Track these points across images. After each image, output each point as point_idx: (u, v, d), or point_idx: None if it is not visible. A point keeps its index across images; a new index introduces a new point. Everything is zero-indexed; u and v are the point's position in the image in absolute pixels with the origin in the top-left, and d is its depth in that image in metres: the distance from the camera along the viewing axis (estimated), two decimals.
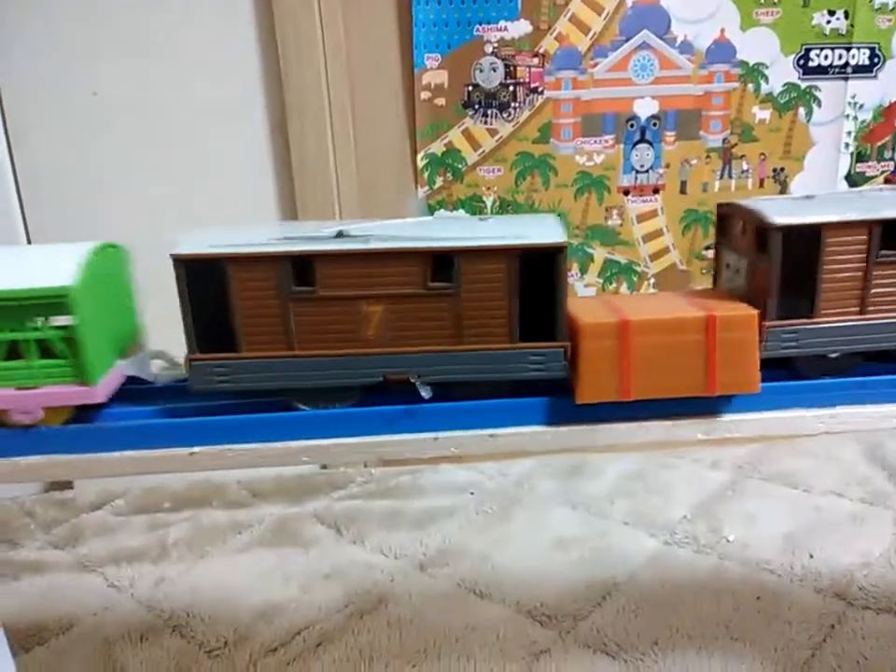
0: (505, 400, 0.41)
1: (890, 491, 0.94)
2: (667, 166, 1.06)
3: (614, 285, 1.11)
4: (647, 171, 1.06)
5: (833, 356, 0.41)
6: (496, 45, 0.99)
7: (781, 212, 0.39)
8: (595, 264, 1.09)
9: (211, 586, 0.81)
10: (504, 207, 1.04)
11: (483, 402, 0.41)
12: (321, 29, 0.91)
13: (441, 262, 0.39)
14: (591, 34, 0.99)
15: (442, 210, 1.03)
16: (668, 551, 0.84)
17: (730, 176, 1.08)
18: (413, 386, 0.40)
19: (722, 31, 1.01)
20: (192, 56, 0.93)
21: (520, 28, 0.98)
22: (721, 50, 1.02)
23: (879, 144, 1.09)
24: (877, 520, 0.88)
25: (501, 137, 1.02)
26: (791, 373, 0.42)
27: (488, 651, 0.70)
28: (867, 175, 1.10)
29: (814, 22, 1.02)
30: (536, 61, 1.00)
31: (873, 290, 0.39)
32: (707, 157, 1.06)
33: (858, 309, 0.40)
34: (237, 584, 0.81)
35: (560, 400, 0.41)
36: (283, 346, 0.40)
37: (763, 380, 0.39)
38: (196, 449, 0.41)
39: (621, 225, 1.08)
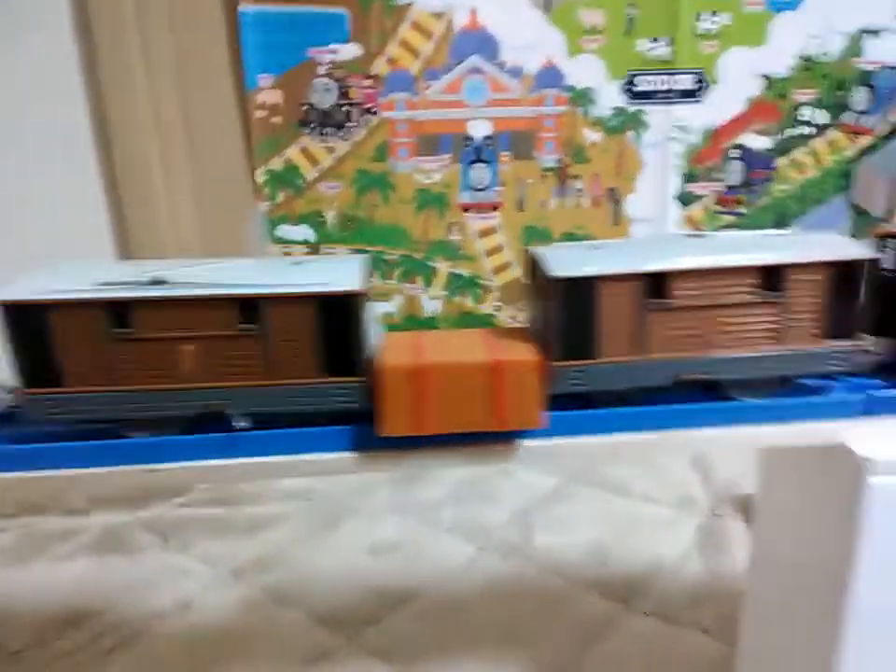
0: (315, 429, 0.46)
1: (700, 497, 1.00)
2: (504, 185, 1.11)
3: (459, 297, 1.15)
4: (485, 189, 1.10)
5: (618, 389, 0.47)
6: (328, 66, 1.02)
7: (564, 264, 0.44)
8: (439, 278, 1.13)
9: (25, 592, 0.83)
10: (345, 222, 1.08)
11: (295, 430, 0.46)
12: (145, 55, 0.93)
13: (248, 307, 0.43)
14: (421, 57, 1.04)
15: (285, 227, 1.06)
16: (479, 557, 0.87)
17: (565, 195, 1.13)
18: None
19: (550, 57, 1.06)
20: (13, 84, 0.95)
21: (351, 51, 1.02)
22: (550, 75, 1.07)
23: (708, 165, 1.16)
24: (680, 526, 0.93)
25: (339, 155, 1.06)
26: (584, 404, 0.47)
27: (270, 655, 0.72)
28: (697, 194, 1.16)
29: (637, 49, 1.08)
30: (369, 82, 1.03)
31: (646, 333, 0.45)
32: (543, 176, 1.11)
33: (634, 350, 0.45)
34: (50, 591, 0.83)
35: (368, 429, 0.45)
36: (107, 381, 0.44)
37: (558, 409, 0.45)
38: (33, 474, 0.45)
39: (462, 240, 1.12)
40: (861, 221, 1.23)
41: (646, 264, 0.45)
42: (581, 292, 0.44)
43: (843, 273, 0.46)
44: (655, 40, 1.08)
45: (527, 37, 1.05)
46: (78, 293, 0.43)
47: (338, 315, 0.43)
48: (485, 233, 1.11)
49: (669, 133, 1.12)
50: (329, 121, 1.02)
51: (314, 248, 1.07)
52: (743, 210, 1.18)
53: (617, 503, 1.00)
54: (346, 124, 1.03)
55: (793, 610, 0.56)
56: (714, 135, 1.14)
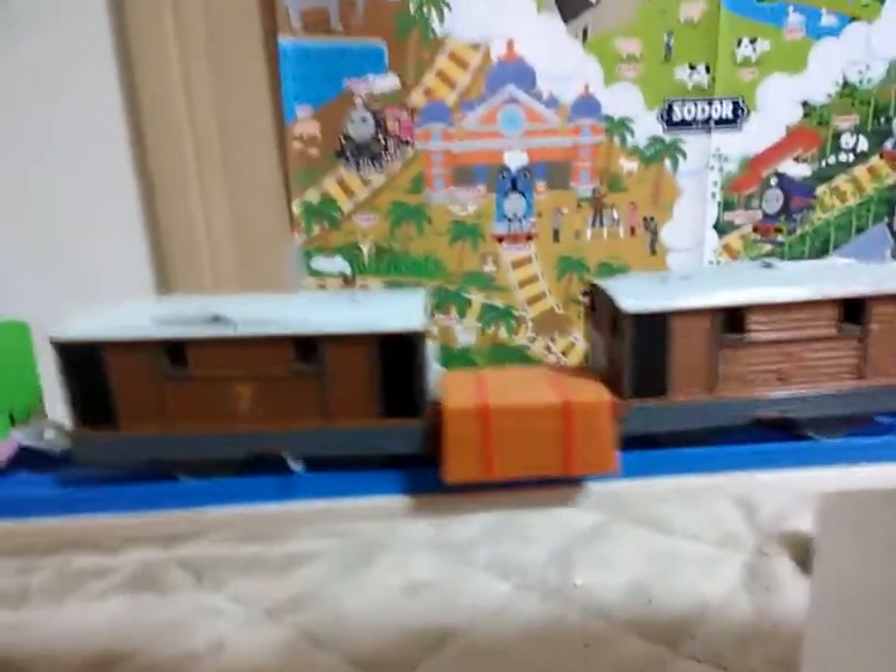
0: (373, 472, 0.44)
1: (744, 534, 0.97)
2: (539, 215, 1.10)
3: (493, 328, 1.14)
4: (520, 220, 1.09)
5: (690, 429, 0.44)
6: (365, 98, 1.02)
7: (633, 297, 0.42)
8: (474, 309, 1.12)
9: (58, 632, 0.82)
10: (380, 254, 1.07)
11: (351, 473, 0.44)
12: (185, 85, 0.93)
13: (305, 347, 0.42)
14: (458, 88, 1.03)
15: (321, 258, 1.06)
16: (516, 596, 0.86)
17: (601, 224, 1.11)
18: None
19: (587, 86, 1.05)
20: (54, 122, 0.95)
21: (388, 82, 1.01)
22: (587, 105, 1.06)
23: (746, 194, 1.14)
24: (726, 564, 0.91)
25: (375, 187, 1.05)
26: (650, 444, 0.45)
27: None
28: (735, 223, 1.14)
29: (676, 77, 1.07)
30: (405, 114, 1.03)
31: (720, 371, 0.43)
32: (579, 206, 1.10)
33: (707, 388, 0.43)
34: (83, 632, 0.82)
35: (428, 472, 0.43)
36: (161, 422, 0.43)
37: (625, 449, 0.42)
38: (86, 519, 0.44)
39: (496, 271, 1.11)
40: None
41: (721, 298, 0.42)
42: (653, 327, 0.42)
43: None
44: (693, 67, 1.07)
45: (564, 67, 1.04)
46: (135, 331, 0.42)
47: (399, 354, 0.42)
48: (519, 264, 1.10)
49: (707, 162, 1.10)
50: (365, 153, 1.02)
51: (349, 281, 1.06)
52: (782, 239, 1.17)
53: (659, 541, 0.97)
54: (382, 156, 1.03)
55: (860, 656, 0.54)
56: (752, 163, 1.12)
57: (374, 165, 1.03)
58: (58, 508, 0.45)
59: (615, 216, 1.11)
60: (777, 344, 0.43)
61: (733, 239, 1.15)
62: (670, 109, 1.08)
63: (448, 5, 1.00)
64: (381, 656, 0.78)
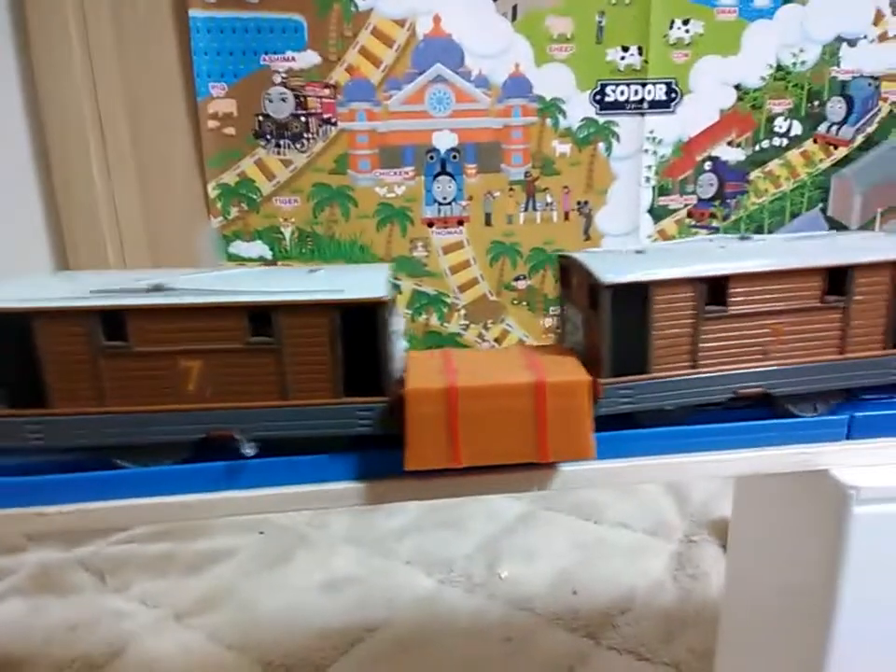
0: (331, 455, 0.41)
1: (675, 521, 0.96)
2: (470, 198, 1.07)
3: (424, 316, 1.11)
4: (450, 203, 1.06)
5: (669, 408, 0.42)
6: (284, 75, 0.97)
7: (611, 269, 0.39)
8: (403, 296, 1.08)
9: None
10: (303, 238, 1.03)
11: (310, 457, 0.40)
12: (88, 60, 0.88)
13: (261, 317, 0.38)
14: (383, 66, 0.99)
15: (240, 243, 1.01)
16: (440, 591, 0.83)
17: (535, 209, 1.09)
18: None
19: (517, 66, 1.02)
20: None
21: (308, 59, 0.97)
22: (518, 85, 1.03)
23: (681, 178, 1.12)
24: (654, 553, 0.90)
25: (296, 168, 1.00)
26: (629, 423, 0.42)
27: None
28: (670, 207, 1.13)
29: (608, 58, 1.04)
30: (327, 92, 0.99)
31: (701, 344, 0.40)
32: (511, 190, 1.07)
33: (689, 363, 0.41)
34: None
35: (391, 454, 0.39)
36: (97, 402, 0.38)
37: (601, 430, 0.40)
38: (9, 511, 0.39)
39: (427, 256, 1.08)
40: None
41: (704, 268, 0.40)
42: (634, 300, 0.40)
43: None
44: (626, 49, 1.04)
45: (493, 46, 1.01)
46: (68, 301, 0.37)
47: (361, 325, 0.38)
48: (450, 249, 1.07)
49: (641, 145, 1.09)
50: (285, 132, 0.98)
51: (270, 266, 1.02)
52: (717, 224, 1.15)
53: (588, 529, 0.96)
54: (304, 136, 0.98)
55: (773, 640, 0.53)
56: (686, 147, 1.11)
57: (295, 145, 0.99)
58: None
59: (548, 199, 1.08)
60: (759, 316, 0.41)
61: (668, 224, 1.13)
62: (603, 91, 1.05)
63: None
64: (293, 658, 0.74)
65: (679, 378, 0.41)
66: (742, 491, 0.56)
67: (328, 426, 0.39)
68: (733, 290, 0.40)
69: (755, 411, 0.43)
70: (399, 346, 0.41)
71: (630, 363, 0.40)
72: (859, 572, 0.40)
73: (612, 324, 0.39)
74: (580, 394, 0.38)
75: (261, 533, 0.93)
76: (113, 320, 0.37)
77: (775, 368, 0.42)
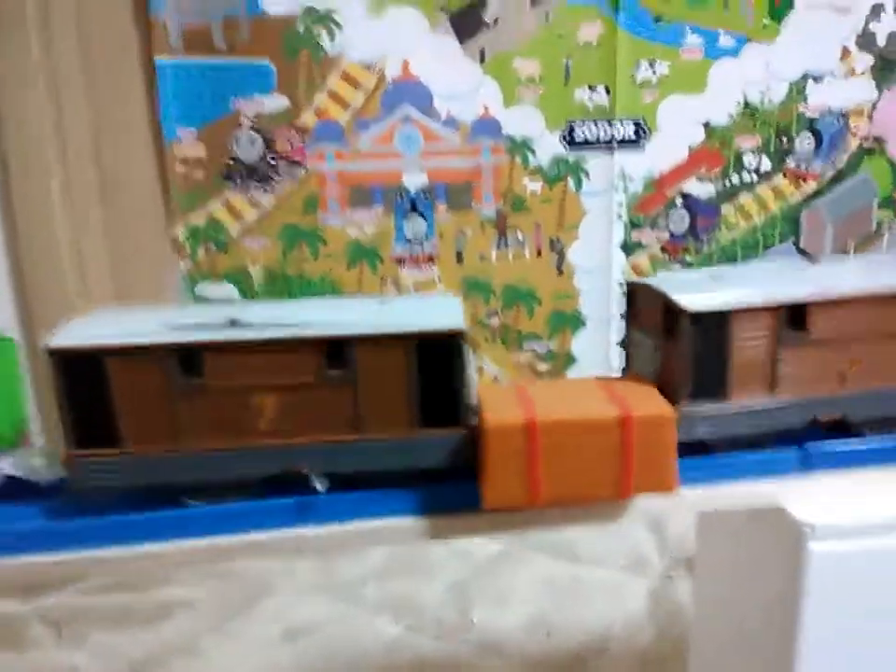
0: (405, 489, 0.40)
1: (653, 558, 0.95)
2: (441, 237, 1.07)
3: None
4: (420, 241, 1.06)
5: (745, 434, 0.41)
6: (253, 119, 0.98)
7: (690, 295, 0.38)
8: None
9: None
10: (272, 279, 1.03)
11: (382, 492, 0.39)
12: (55, 108, 0.88)
13: (336, 351, 0.37)
14: (351, 108, 1.00)
15: (207, 284, 1.01)
16: (408, 638, 0.81)
17: (506, 246, 1.09)
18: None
19: (486, 107, 1.03)
20: None
21: (277, 102, 0.98)
22: (486, 126, 1.04)
23: (652, 214, 1.13)
24: (631, 591, 0.88)
25: (265, 209, 1.01)
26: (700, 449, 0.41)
27: None
28: (643, 243, 1.13)
29: (576, 98, 1.05)
30: (296, 134, 1.00)
31: (780, 370, 0.40)
32: (482, 227, 1.07)
33: (767, 389, 0.40)
34: None
35: (465, 486, 0.39)
36: (169, 441, 0.37)
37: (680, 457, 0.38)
38: (85, 554, 0.38)
39: (398, 295, 1.08)
40: None
41: (785, 293, 0.39)
42: (714, 326, 0.39)
43: None
44: (593, 89, 1.06)
45: (462, 88, 1.02)
46: (143, 336, 0.36)
47: (438, 357, 0.37)
48: (422, 287, 1.07)
49: (611, 182, 1.09)
50: (254, 175, 0.98)
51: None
52: (690, 259, 1.16)
53: (563, 569, 0.94)
54: (273, 178, 0.99)
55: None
56: (657, 183, 1.11)
57: (264, 187, 0.99)
58: (47, 542, 0.38)
59: (520, 237, 1.09)
60: (839, 342, 0.41)
61: (641, 259, 1.14)
62: (571, 130, 1.06)
63: (339, 24, 0.97)
64: None
65: (757, 405, 0.40)
66: (704, 527, 0.55)
67: (403, 459, 0.39)
68: (814, 316, 0.39)
69: (832, 437, 0.42)
70: (473, 380, 0.40)
71: (708, 389, 0.40)
72: (817, 608, 0.39)
73: (692, 350, 0.39)
74: (666, 428, 0.37)
75: (222, 579, 0.91)
76: (189, 356, 0.37)
77: (854, 394, 0.41)
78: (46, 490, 0.42)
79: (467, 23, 1.01)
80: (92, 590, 0.92)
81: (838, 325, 0.40)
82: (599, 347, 1.15)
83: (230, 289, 0.98)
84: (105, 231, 0.94)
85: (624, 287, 0.45)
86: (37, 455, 0.44)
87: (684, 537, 1.01)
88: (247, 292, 1.02)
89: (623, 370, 0.44)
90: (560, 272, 1.12)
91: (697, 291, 0.39)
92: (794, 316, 0.40)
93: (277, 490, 0.39)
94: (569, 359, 1.15)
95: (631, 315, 0.44)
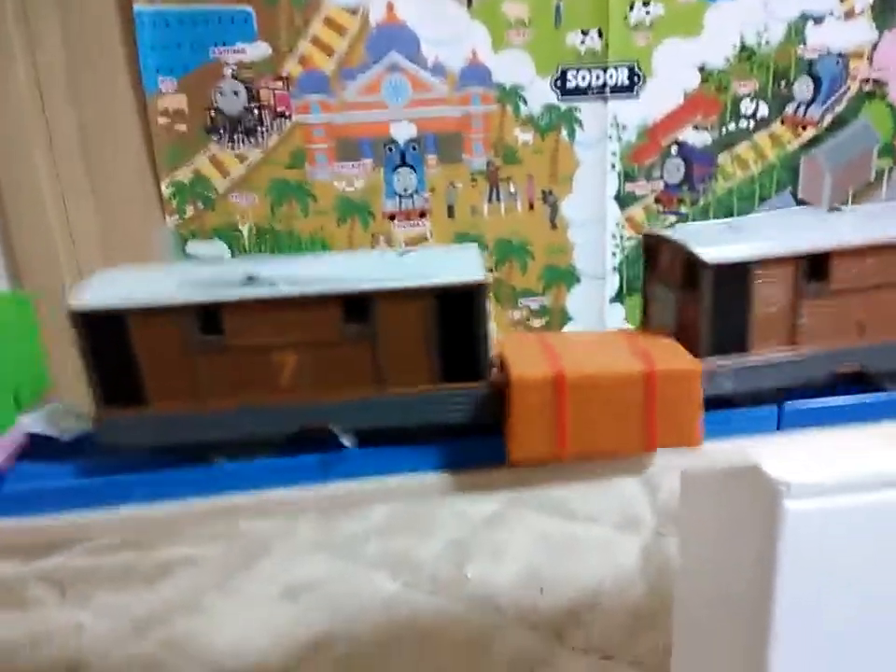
0: (431, 444, 0.40)
1: (646, 515, 0.95)
2: (432, 190, 1.04)
3: None
4: (411, 195, 1.04)
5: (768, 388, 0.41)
6: (235, 67, 0.95)
7: (710, 247, 0.38)
8: None
9: None
10: (262, 236, 1.01)
11: (408, 447, 0.40)
12: (32, 63, 0.85)
13: (356, 306, 0.37)
14: (336, 56, 0.97)
15: (197, 242, 0.99)
16: (404, 594, 0.82)
17: (498, 199, 1.07)
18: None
19: (474, 53, 1.00)
20: None
21: (259, 50, 0.95)
22: (475, 73, 1.01)
23: (647, 163, 1.10)
24: (623, 548, 0.88)
25: (251, 163, 0.98)
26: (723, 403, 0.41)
27: None
28: (637, 194, 1.11)
29: (568, 42, 1.02)
30: (280, 84, 0.96)
31: (801, 322, 0.40)
32: (473, 180, 1.05)
33: (789, 342, 0.40)
34: None
35: (490, 440, 0.38)
36: (191, 399, 0.38)
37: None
38: (102, 513, 0.39)
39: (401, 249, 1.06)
40: None
41: (806, 243, 0.39)
42: (736, 278, 0.39)
43: None
44: (585, 33, 1.02)
45: (449, 32, 0.99)
46: (163, 296, 0.36)
47: (460, 309, 0.37)
48: (413, 242, 1.05)
49: (605, 131, 1.07)
50: (238, 127, 0.95)
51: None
52: (685, 210, 1.14)
53: (558, 526, 0.95)
54: (258, 130, 0.96)
55: (719, 638, 0.52)
56: (651, 132, 1.09)
57: (249, 140, 0.97)
58: (78, 499, 0.39)
59: (512, 189, 1.06)
60: (859, 292, 0.40)
61: (635, 210, 1.12)
62: (563, 76, 1.03)
63: None
64: (251, 667, 0.73)
65: (778, 357, 0.40)
66: (686, 486, 0.55)
67: (426, 414, 0.39)
68: (835, 265, 0.39)
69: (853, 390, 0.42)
70: (492, 331, 0.40)
71: (729, 343, 0.39)
72: (792, 568, 0.39)
73: (713, 303, 0.38)
74: (692, 382, 0.37)
75: (227, 538, 0.91)
76: (208, 315, 0.37)
77: (872, 345, 0.41)
78: (70, 447, 0.42)
79: None
80: (96, 550, 0.93)
81: (858, 275, 0.39)
82: (594, 303, 1.14)
83: (219, 247, 0.97)
84: (90, 189, 0.92)
85: (643, 240, 0.44)
86: (60, 412, 0.44)
87: (676, 493, 1.01)
88: (237, 249, 1.01)
89: (642, 323, 0.44)
90: (553, 225, 1.10)
91: (717, 243, 0.39)
92: (814, 267, 0.39)
93: (302, 447, 0.39)
94: (564, 315, 1.13)
95: (649, 269, 0.44)
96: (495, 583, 0.84)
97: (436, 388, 0.38)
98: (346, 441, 0.39)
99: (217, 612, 0.78)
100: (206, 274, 0.38)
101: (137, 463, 0.40)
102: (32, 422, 0.43)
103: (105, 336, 0.37)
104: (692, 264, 0.38)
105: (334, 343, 0.38)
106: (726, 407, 0.40)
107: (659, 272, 0.42)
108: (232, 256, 0.99)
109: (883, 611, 0.40)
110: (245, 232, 1.00)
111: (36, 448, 0.43)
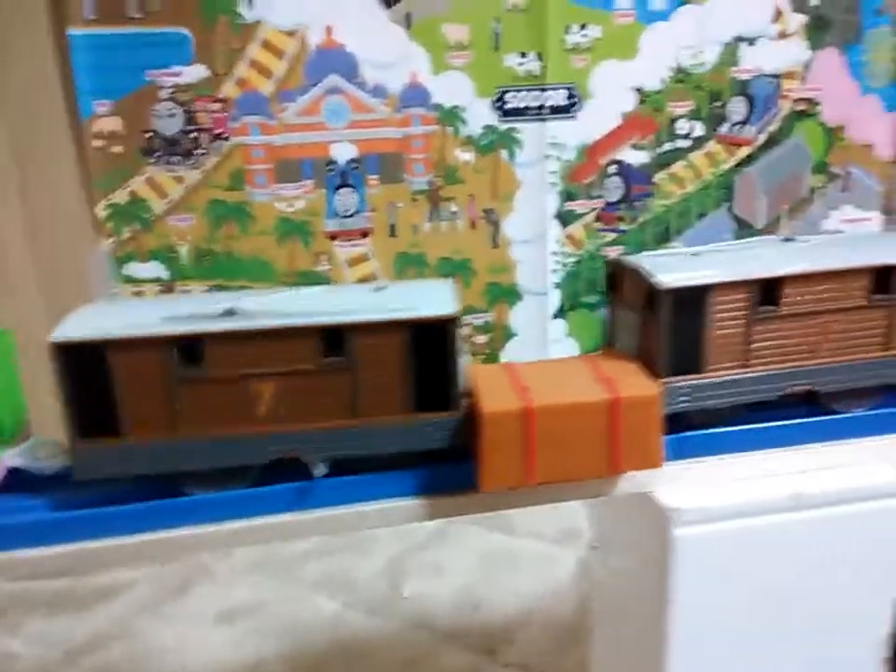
0: (404, 471, 0.42)
1: (584, 528, 0.97)
2: (374, 210, 1.06)
3: None
4: (352, 215, 1.05)
5: (722, 407, 0.43)
6: (171, 90, 0.95)
7: (669, 273, 0.40)
8: None
9: None
10: (200, 257, 1.01)
11: (382, 475, 0.41)
12: None
13: (333, 338, 0.39)
14: (274, 78, 0.97)
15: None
16: (342, 614, 0.83)
17: (440, 219, 1.08)
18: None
19: (414, 75, 1.01)
20: None
21: (196, 73, 0.95)
22: (415, 94, 1.02)
23: (586, 182, 1.13)
24: (561, 562, 0.91)
25: (189, 185, 0.99)
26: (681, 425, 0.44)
27: None
28: (577, 212, 1.13)
29: (506, 65, 1.04)
30: (218, 106, 0.97)
31: (753, 344, 0.42)
32: (414, 199, 1.06)
33: (742, 363, 0.42)
34: None
35: (462, 467, 0.40)
36: (170, 429, 0.39)
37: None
38: (91, 544, 0.40)
39: (331, 270, 1.07)
40: (744, 233, 1.22)
41: (758, 270, 0.42)
42: (691, 303, 0.41)
43: None
44: (524, 55, 1.04)
45: (388, 55, 1.00)
46: (144, 329, 0.38)
47: (433, 342, 0.40)
48: (356, 262, 1.06)
49: (544, 151, 1.09)
50: (175, 149, 0.95)
51: (167, 286, 1.00)
52: (625, 227, 1.16)
53: (499, 542, 0.97)
54: (195, 151, 0.96)
55: (625, 654, 0.54)
56: (590, 151, 1.11)
57: (187, 162, 0.97)
58: (53, 535, 0.40)
59: (454, 209, 1.08)
60: (810, 316, 0.44)
61: (576, 228, 1.14)
62: (503, 98, 1.05)
63: None
64: None
65: (732, 377, 0.43)
66: (598, 508, 0.57)
67: (400, 442, 0.41)
68: (785, 291, 0.42)
69: (801, 409, 0.46)
70: (463, 361, 0.43)
71: (686, 364, 0.43)
72: (684, 593, 0.41)
73: (670, 326, 0.41)
74: (653, 408, 0.39)
75: (162, 564, 0.92)
76: (189, 347, 0.38)
77: (822, 366, 0.44)
78: (49, 481, 0.43)
79: None
80: (28, 575, 0.92)
81: (808, 300, 0.43)
82: (536, 319, 1.16)
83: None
84: (21, 213, 0.91)
85: (606, 266, 0.47)
86: (40, 446, 0.45)
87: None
88: (175, 271, 1.01)
89: (607, 344, 0.47)
90: (496, 244, 1.12)
91: (675, 270, 0.42)
92: (766, 293, 0.43)
93: (278, 476, 0.41)
94: (507, 332, 1.15)
95: (612, 293, 0.47)
96: (432, 602, 0.86)
97: (410, 418, 0.41)
98: (317, 471, 0.41)
99: (151, 638, 0.79)
100: (186, 308, 0.40)
101: (114, 496, 0.41)
102: (12, 457, 0.44)
103: (86, 368, 0.38)
104: (651, 289, 0.41)
105: (312, 373, 0.39)
106: (684, 425, 0.43)
107: (622, 296, 0.46)
108: (171, 277, 0.99)
109: (767, 625, 0.42)
110: (183, 253, 1.00)
111: (17, 482, 0.44)
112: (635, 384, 0.41)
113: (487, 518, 1.02)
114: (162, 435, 0.39)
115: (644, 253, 0.48)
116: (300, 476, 0.41)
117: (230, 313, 0.40)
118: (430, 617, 0.83)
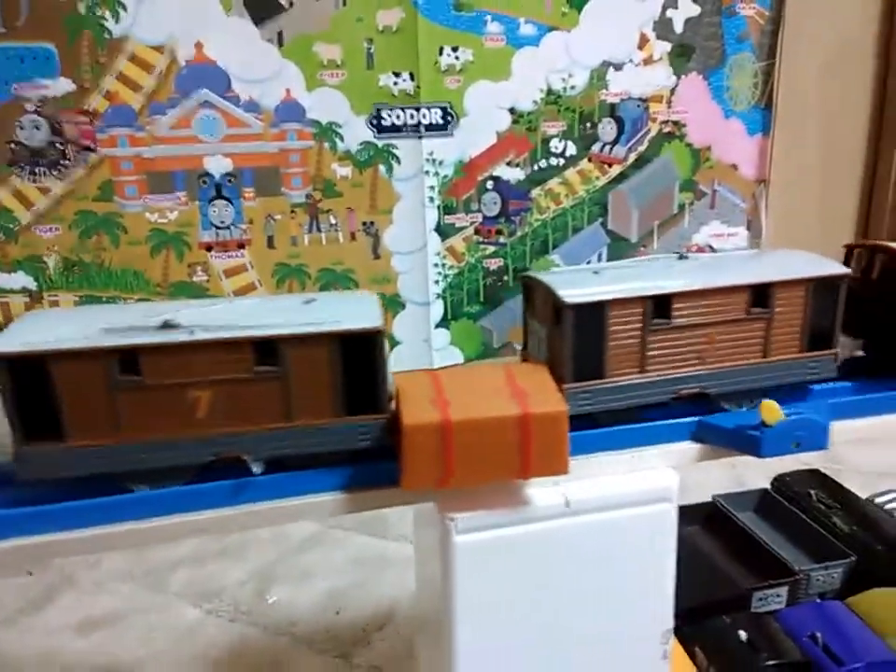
0: (333, 468, 0.44)
1: None
2: (251, 222, 1.07)
3: None
4: (228, 227, 1.06)
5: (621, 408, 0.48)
6: (37, 103, 0.95)
7: (572, 289, 0.45)
8: None
9: None
10: (69, 267, 1.00)
11: (313, 471, 0.44)
12: None
13: (266, 349, 0.41)
14: (143, 91, 0.98)
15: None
16: (204, 622, 0.82)
17: (319, 230, 1.10)
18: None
19: (288, 91, 1.04)
20: None
21: (62, 86, 0.95)
22: (291, 110, 1.05)
23: (464, 197, 1.17)
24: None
25: (56, 196, 0.98)
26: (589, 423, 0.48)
27: None
28: (457, 226, 1.17)
29: (381, 84, 1.07)
30: (85, 118, 0.97)
31: (648, 353, 0.47)
32: (293, 212, 1.08)
33: (638, 369, 0.47)
34: None
35: (386, 464, 0.43)
36: (111, 434, 0.40)
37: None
38: (37, 539, 0.41)
39: (208, 281, 1.07)
40: (617, 247, 1.28)
41: (651, 287, 0.47)
42: (592, 316, 0.46)
43: (823, 287, 0.50)
44: (398, 75, 1.08)
45: (261, 71, 1.02)
46: (84, 341, 0.39)
47: (360, 352, 0.42)
48: (233, 272, 1.07)
49: (422, 167, 1.12)
50: (41, 160, 0.95)
51: (35, 297, 0.98)
52: (504, 240, 1.20)
53: (371, 545, 0.97)
54: (61, 163, 0.96)
55: (432, 656, 0.56)
56: (468, 168, 1.15)
57: (52, 173, 0.96)
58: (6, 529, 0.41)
59: (333, 221, 1.10)
60: (697, 327, 0.48)
61: (456, 241, 1.17)
62: (379, 115, 1.09)
63: (123, 5, 0.95)
64: None
65: (629, 382, 0.48)
66: (416, 516, 0.59)
67: (330, 442, 0.43)
68: (676, 306, 0.47)
69: (695, 408, 0.50)
70: (389, 367, 0.45)
71: (588, 370, 0.47)
72: (466, 599, 0.43)
73: (573, 337, 0.46)
74: (560, 422, 0.42)
75: (30, 574, 0.89)
76: (127, 358, 0.40)
77: (709, 371, 0.49)
78: None
79: (263, 5, 1.01)
80: None
81: (696, 313, 0.48)
82: (420, 328, 1.18)
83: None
84: None
85: (521, 281, 0.52)
86: None
87: None
88: (43, 280, 0.99)
89: (524, 350, 0.51)
90: (377, 255, 1.15)
91: (578, 286, 0.46)
92: (659, 307, 0.47)
93: (216, 474, 0.43)
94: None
95: (527, 306, 0.51)
96: (296, 607, 0.85)
97: (340, 420, 0.43)
98: (255, 469, 0.43)
99: (9, 650, 0.76)
100: (125, 319, 0.41)
101: (56, 494, 0.42)
102: None
103: (28, 378, 0.39)
104: (557, 304, 0.45)
105: (246, 381, 0.42)
106: (587, 424, 0.46)
107: (534, 309, 0.50)
108: (39, 288, 0.97)
109: (547, 623, 0.45)
110: (51, 264, 0.99)
111: None
112: (545, 400, 0.43)
113: (364, 521, 1.02)
114: (105, 439, 0.40)
115: (554, 270, 0.53)
116: (238, 473, 0.43)
117: (167, 325, 0.41)
118: (292, 623, 0.83)
